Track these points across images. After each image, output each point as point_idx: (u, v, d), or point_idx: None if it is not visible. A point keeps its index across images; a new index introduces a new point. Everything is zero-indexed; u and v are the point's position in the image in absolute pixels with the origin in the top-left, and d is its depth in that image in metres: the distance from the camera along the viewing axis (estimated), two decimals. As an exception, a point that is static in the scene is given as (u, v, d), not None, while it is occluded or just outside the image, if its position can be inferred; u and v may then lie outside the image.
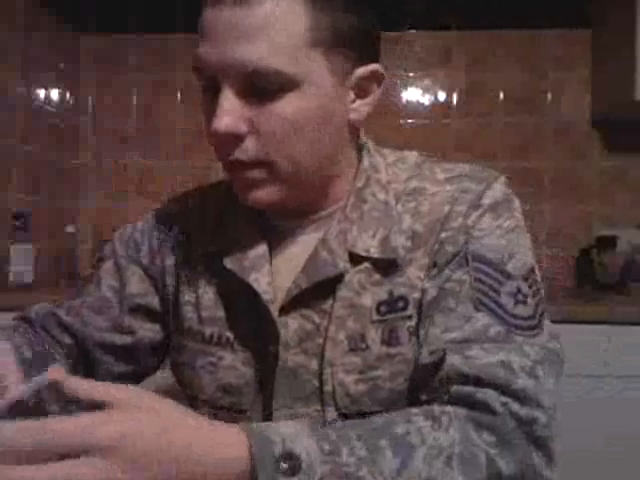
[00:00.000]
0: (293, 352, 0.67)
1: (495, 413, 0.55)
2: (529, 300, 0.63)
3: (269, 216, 0.72)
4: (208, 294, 0.72)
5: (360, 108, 0.67)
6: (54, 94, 2.27)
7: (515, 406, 0.56)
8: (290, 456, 0.46)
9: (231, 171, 0.65)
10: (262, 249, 0.70)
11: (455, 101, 2.32)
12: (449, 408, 0.56)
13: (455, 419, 0.54)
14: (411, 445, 0.51)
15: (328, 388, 0.65)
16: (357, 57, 0.64)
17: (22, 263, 1.92)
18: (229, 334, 0.70)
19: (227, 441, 0.46)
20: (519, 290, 0.63)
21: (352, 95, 0.66)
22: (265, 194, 0.64)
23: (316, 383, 0.66)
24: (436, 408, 0.56)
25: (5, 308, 1.77)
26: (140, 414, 0.43)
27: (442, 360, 0.60)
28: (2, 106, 1.98)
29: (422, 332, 0.64)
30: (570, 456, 1.00)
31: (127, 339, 0.77)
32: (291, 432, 0.48)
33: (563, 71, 2.28)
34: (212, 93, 0.62)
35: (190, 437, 0.44)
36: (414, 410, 0.56)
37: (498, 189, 0.67)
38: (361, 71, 0.65)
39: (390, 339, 0.65)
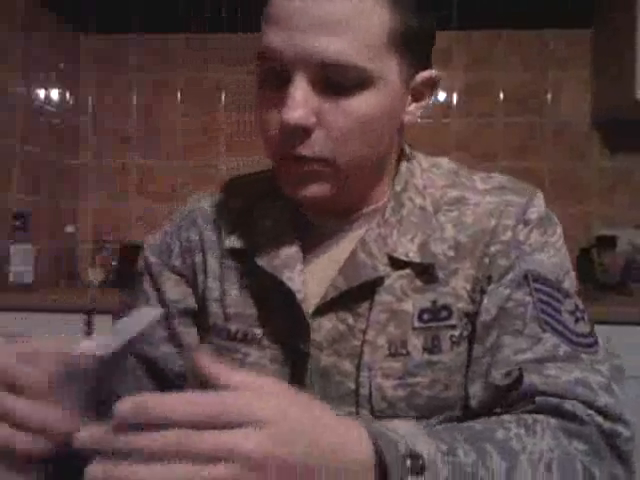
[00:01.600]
0: (326, 352, 0.67)
1: (583, 423, 0.57)
2: (585, 316, 0.65)
3: (305, 213, 0.71)
4: (234, 290, 0.71)
5: (415, 111, 0.67)
6: (54, 94, 2.27)
7: (599, 419, 0.57)
8: (414, 455, 0.46)
9: (286, 165, 0.63)
10: (295, 247, 0.69)
11: (455, 101, 2.32)
12: (539, 416, 0.57)
13: (547, 427, 0.55)
14: (514, 450, 0.52)
15: (364, 391, 0.65)
16: (421, 60, 0.65)
17: (22, 263, 1.92)
18: (257, 331, 0.69)
19: (353, 434, 0.45)
20: (577, 307, 0.65)
21: (409, 98, 0.66)
22: (318, 190, 0.63)
23: (351, 385, 0.66)
24: (527, 416, 0.56)
25: (5, 308, 1.77)
26: (288, 396, 0.43)
27: (519, 380, 0.61)
28: (2, 106, 1.98)
29: (478, 348, 0.65)
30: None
31: (178, 363, 0.75)
32: (409, 431, 0.48)
33: (563, 71, 2.28)
34: (276, 84, 0.60)
35: (328, 427, 0.44)
36: (505, 417, 0.56)
37: (540, 204, 0.70)
38: (422, 75, 0.65)
39: (432, 347, 0.65)
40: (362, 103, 0.59)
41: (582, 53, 2.27)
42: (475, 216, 0.68)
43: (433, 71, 0.67)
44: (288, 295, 0.67)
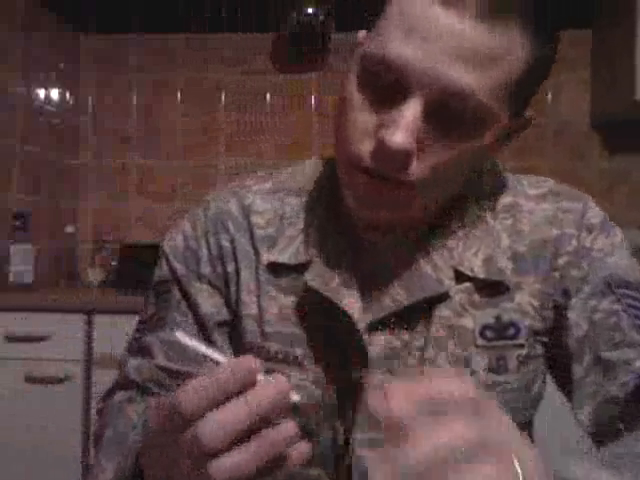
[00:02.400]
0: (379, 371, 0.62)
1: None
2: None
3: (358, 229, 0.67)
4: (273, 307, 0.66)
5: (498, 148, 0.61)
6: (54, 94, 2.27)
7: None
8: None
9: (365, 181, 0.57)
10: (351, 267, 0.64)
11: (455, 101, 2.32)
12: None
13: None
14: None
15: None
16: (533, 96, 0.59)
17: (22, 263, 1.92)
18: (299, 351, 0.64)
19: None
20: None
21: None
22: (389, 214, 0.59)
23: None
24: None
25: (5, 308, 1.78)
26: None
27: (637, 387, 0.59)
28: (2, 106, 1.98)
29: (578, 369, 0.62)
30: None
31: None
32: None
33: (563, 71, 2.28)
34: (378, 90, 0.55)
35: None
36: None
37: (595, 207, 0.67)
38: (520, 121, 0.60)
39: (498, 367, 0.62)
40: (469, 141, 0.54)
41: (582, 54, 2.27)
42: (532, 225, 0.65)
43: (530, 113, 0.61)
44: (342, 317, 0.62)
